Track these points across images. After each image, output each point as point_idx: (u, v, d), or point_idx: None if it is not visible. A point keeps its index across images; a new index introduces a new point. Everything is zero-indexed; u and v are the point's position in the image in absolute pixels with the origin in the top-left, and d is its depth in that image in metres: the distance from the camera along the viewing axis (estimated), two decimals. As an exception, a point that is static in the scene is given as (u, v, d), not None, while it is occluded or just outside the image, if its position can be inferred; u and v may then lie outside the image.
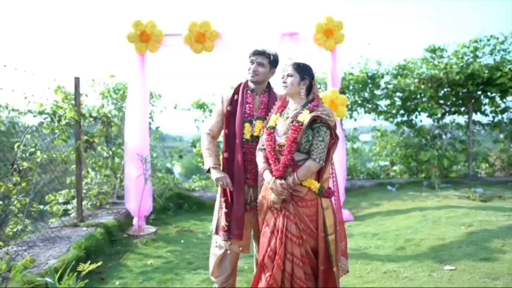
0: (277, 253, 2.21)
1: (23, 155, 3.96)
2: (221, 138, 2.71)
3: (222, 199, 2.53)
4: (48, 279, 2.33)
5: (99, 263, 2.43)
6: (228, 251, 2.54)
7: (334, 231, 2.27)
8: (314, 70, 2.40)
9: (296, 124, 2.18)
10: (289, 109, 2.31)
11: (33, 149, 4.02)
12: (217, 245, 2.61)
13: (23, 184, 3.81)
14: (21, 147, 3.92)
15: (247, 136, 2.47)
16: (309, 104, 2.27)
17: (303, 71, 2.29)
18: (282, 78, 2.29)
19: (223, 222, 2.49)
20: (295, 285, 2.19)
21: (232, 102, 2.58)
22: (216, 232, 2.57)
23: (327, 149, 2.19)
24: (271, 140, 2.24)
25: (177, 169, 7.55)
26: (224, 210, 2.49)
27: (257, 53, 2.54)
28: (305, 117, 2.18)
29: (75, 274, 2.34)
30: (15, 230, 3.25)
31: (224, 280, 2.64)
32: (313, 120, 2.19)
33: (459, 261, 3.16)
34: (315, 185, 2.17)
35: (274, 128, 2.29)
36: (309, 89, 2.31)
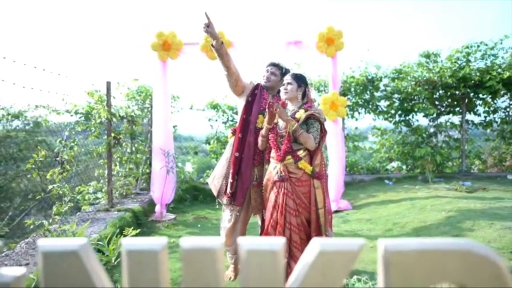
0: (278, 223, 2.82)
1: (64, 149, 4.63)
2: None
3: (231, 171, 3.10)
4: (100, 243, 2.99)
5: (138, 230, 3.07)
6: (238, 221, 3.17)
7: (324, 206, 2.87)
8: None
9: (294, 120, 2.80)
10: (288, 109, 2.93)
11: (72, 144, 4.69)
12: (227, 218, 3.22)
13: (64, 174, 4.48)
14: (63, 142, 4.58)
15: (259, 124, 3.09)
16: (304, 105, 2.88)
17: (300, 80, 2.91)
18: (283, 85, 2.91)
19: (228, 190, 3.09)
20: (293, 248, 2.81)
21: (252, 94, 3.19)
22: (217, 196, 3.19)
23: (319, 138, 2.79)
24: (274, 133, 2.87)
25: (188, 167, 8.18)
26: (230, 180, 3.09)
27: (272, 64, 3.21)
28: (301, 115, 2.80)
29: (120, 239, 2.99)
30: (64, 209, 3.89)
31: (235, 249, 3.26)
32: (308, 118, 2.80)
33: (434, 238, 3.73)
34: (308, 168, 2.78)
35: (276, 124, 2.91)
36: (304, 94, 2.92)
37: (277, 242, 0.70)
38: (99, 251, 3.01)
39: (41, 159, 3.34)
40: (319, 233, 2.84)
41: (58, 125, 5.26)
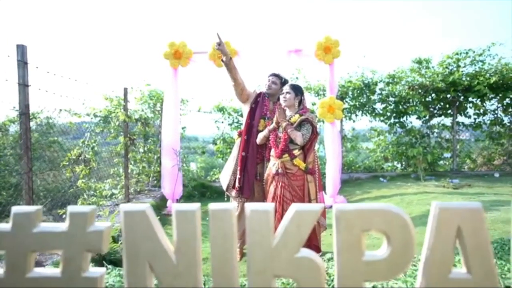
0: (277, 211, 3.32)
1: (86, 149, 5.15)
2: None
3: (238, 168, 3.59)
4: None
5: (158, 218, 3.57)
6: (243, 210, 3.65)
7: (316, 198, 3.36)
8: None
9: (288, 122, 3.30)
10: (286, 114, 3.42)
11: (94, 144, 5.21)
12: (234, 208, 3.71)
13: (87, 171, 5.00)
14: (86, 142, 5.10)
15: (261, 127, 3.59)
16: (300, 111, 3.38)
17: (297, 90, 3.41)
18: (282, 94, 3.40)
19: (237, 185, 3.59)
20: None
21: (255, 102, 3.70)
22: (226, 190, 3.68)
23: (308, 138, 3.27)
24: (274, 135, 3.37)
25: (193, 166, 8.67)
26: (238, 176, 3.59)
27: (273, 74, 3.72)
28: (296, 119, 3.30)
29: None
30: (89, 203, 4.40)
31: (241, 235, 3.74)
32: (302, 121, 3.29)
33: (416, 227, 4.19)
34: (302, 165, 3.28)
35: (279, 127, 3.40)
36: (300, 101, 3.42)
37: (269, 206, 1.18)
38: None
39: (73, 157, 3.83)
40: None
41: (70, 127, 5.70)
